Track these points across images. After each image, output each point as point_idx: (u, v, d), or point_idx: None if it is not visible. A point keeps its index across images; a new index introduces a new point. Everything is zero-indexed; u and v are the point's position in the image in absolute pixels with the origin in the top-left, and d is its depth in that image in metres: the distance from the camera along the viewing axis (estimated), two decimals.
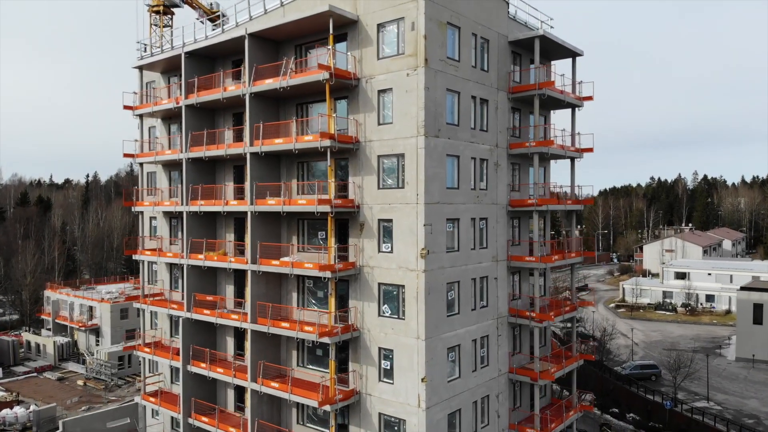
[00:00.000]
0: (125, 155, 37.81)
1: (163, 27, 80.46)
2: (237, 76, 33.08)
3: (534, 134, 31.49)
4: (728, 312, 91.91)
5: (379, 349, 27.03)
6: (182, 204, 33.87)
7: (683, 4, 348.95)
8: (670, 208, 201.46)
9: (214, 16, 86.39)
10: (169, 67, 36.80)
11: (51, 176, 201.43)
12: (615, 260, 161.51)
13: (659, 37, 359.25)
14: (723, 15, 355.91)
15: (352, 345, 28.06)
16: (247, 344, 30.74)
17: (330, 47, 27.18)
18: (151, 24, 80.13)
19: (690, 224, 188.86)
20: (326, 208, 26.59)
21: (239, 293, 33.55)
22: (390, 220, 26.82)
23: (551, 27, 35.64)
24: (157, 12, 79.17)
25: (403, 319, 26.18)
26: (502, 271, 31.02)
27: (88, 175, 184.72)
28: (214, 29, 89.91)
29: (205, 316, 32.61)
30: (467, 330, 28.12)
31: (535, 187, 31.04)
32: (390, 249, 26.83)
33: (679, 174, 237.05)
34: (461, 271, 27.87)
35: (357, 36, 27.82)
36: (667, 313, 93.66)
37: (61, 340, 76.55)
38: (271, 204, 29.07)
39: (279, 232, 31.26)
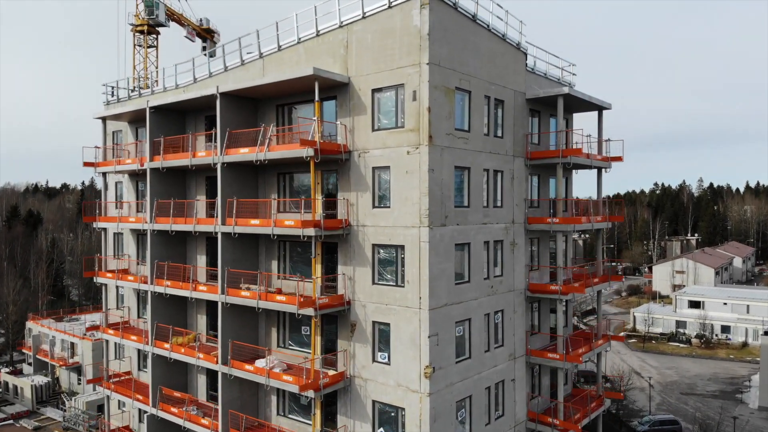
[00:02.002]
0: (86, 219, 33.22)
1: (148, 47, 75.98)
2: (211, 137, 28.46)
3: (557, 210, 26.80)
4: (745, 345, 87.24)
5: None
6: (148, 282, 29.25)
7: (685, 3, 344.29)
8: (675, 216, 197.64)
9: (204, 33, 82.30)
10: (136, 118, 32.19)
11: (47, 181, 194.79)
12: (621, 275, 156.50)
13: (658, 36, 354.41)
14: (724, 15, 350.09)
15: None
16: None
17: (315, 118, 22.58)
18: (134, 45, 75.68)
19: (696, 234, 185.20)
20: (310, 311, 22.00)
21: (212, 386, 28.93)
22: (387, 324, 22.20)
23: (573, 74, 31.10)
24: (141, 32, 74.77)
25: None
26: (521, 369, 26.38)
27: (84, 182, 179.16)
28: (204, 49, 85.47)
29: (172, 415, 27.97)
30: None
31: (559, 271, 26.42)
32: (387, 359, 22.20)
33: (684, 181, 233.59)
34: (473, 383, 23.24)
35: (348, 100, 23.24)
36: (681, 345, 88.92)
37: (40, 381, 71.68)
38: (245, 296, 24.48)
39: (256, 323, 26.64)
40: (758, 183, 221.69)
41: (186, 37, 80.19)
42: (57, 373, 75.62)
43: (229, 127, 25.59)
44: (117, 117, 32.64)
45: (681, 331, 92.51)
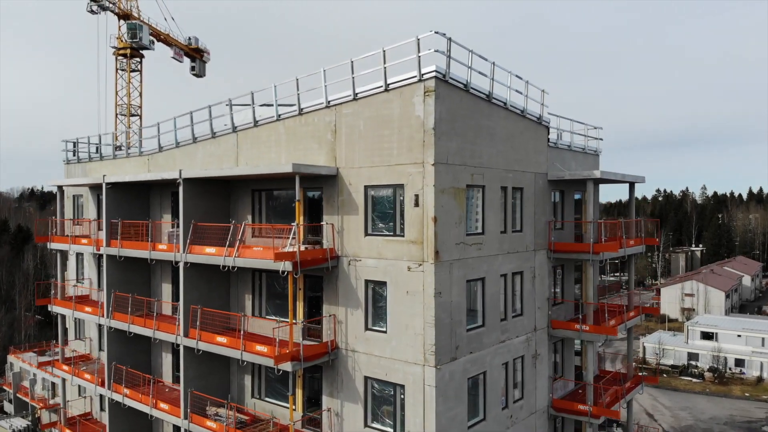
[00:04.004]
0: (39, 301, 28.98)
1: (131, 72, 71.66)
2: (177, 221, 24.24)
3: (585, 317, 22.54)
4: (760, 380, 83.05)
5: None
6: (105, 386, 25.06)
7: (686, 4, 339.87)
8: (679, 226, 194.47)
9: (193, 52, 78.04)
10: (97, 185, 27.95)
11: (42, 186, 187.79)
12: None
13: (657, 37, 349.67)
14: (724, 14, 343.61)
15: None
16: None
17: (296, 224, 18.38)
18: (117, 69, 71.35)
19: (701, 245, 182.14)
20: None
21: None
22: None
23: (600, 139, 26.96)
24: (124, 56, 70.50)
25: None
26: None
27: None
28: (192, 68, 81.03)
29: None
30: None
31: (588, 389, 22.21)
32: None
33: (687, 188, 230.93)
34: None
35: (336, 195, 19.06)
36: (694, 379, 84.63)
37: (19, 425, 67.18)
38: (210, 427, 20.29)
39: None
40: (761, 189, 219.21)
41: (173, 57, 75.98)
42: (38, 414, 71.26)
43: (195, 215, 21.38)
44: (75, 186, 28.48)
45: (693, 363, 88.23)
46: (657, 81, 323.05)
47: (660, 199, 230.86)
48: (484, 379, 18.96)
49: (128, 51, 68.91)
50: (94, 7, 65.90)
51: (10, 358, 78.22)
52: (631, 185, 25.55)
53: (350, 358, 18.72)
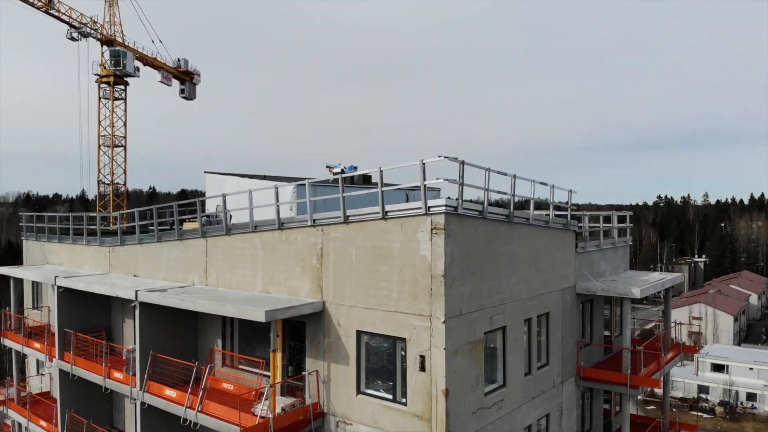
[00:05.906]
0: None
1: (115, 100, 67.91)
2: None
3: None
4: None
5: None
6: None
7: (685, 4, 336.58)
8: (681, 235, 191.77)
9: (182, 75, 74.37)
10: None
11: (38, 192, 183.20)
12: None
13: (655, 38, 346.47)
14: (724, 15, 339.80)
15: None
16: None
17: (269, 385, 14.83)
18: (100, 97, 67.56)
19: (704, 256, 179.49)
20: None
21: None
22: None
23: (630, 225, 23.44)
24: (107, 83, 66.76)
25: None
26: None
27: (72, 196, 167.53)
28: (182, 91, 77.20)
29: None
30: None
31: None
32: None
33: (689, 194, 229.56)
34: None
35: (321, 335, 15.52)
36: (704, 415, 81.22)
37: None
38: None
39: None
40: (762, 195, 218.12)
41: (161, 81, 72.30)
42: None
43: (155, 342, 17.87)
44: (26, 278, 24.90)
45: (703, 396, 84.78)
46: (656, 81, 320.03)
47: (661, 205, 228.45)
48: None
49: (112, 78, 65.22)
50: (75, 35, 62.22)
51: None
52: (667, 291, 22.07)
53: None
